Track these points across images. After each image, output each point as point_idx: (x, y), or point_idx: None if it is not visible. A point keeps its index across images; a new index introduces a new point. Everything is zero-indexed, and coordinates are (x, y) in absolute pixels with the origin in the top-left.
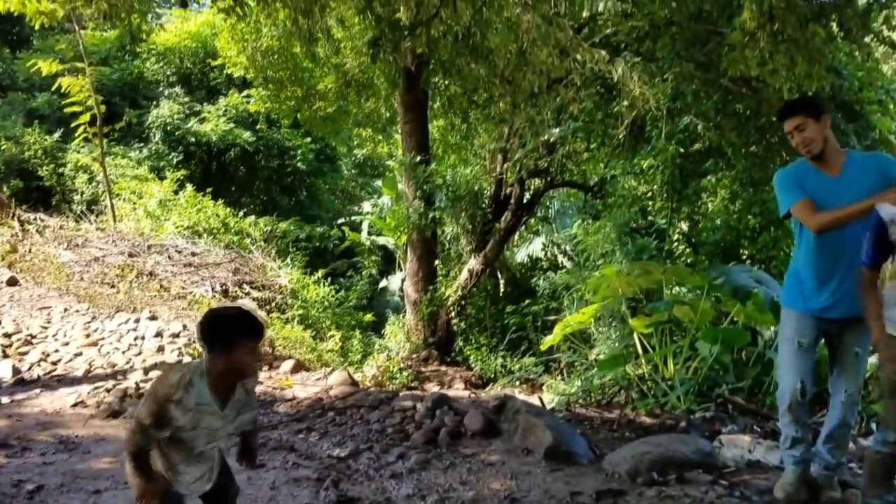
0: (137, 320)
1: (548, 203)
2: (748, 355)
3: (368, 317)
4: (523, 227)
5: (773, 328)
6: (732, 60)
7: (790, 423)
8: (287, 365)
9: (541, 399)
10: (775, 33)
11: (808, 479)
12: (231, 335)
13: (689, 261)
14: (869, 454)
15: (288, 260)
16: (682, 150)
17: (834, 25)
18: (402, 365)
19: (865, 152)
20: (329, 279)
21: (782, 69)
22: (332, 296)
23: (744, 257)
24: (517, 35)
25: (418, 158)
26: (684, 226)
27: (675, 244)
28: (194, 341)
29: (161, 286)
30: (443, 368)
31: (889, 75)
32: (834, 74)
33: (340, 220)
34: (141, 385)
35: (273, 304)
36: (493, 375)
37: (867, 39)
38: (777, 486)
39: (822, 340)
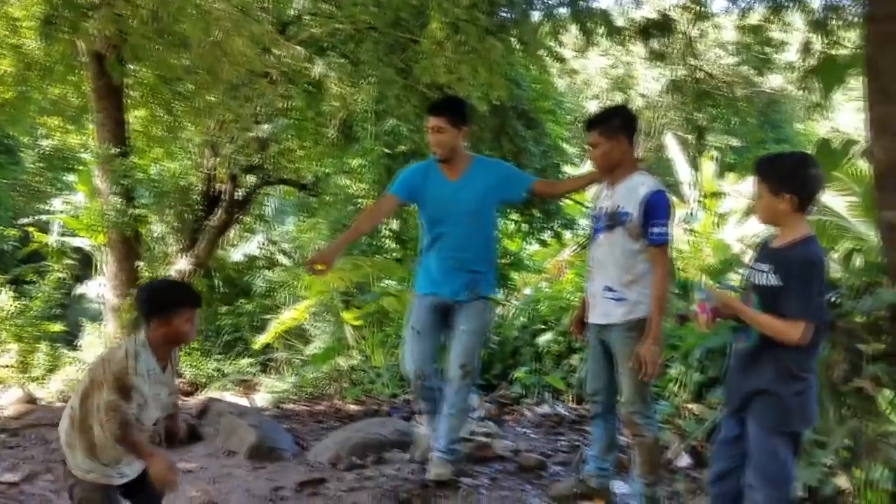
0: None
1: (264, 200)
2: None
3: (58, 327)
4: (239, 225)
5: None
6: (424, 68)
7: (419, 400)
8: None
9: (250, 399)
10: (460, 44)
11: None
12: (169, 305)
13: (397, 255)
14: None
15: None
16: (388, 151)
17: (513, 40)
18: None
19: (491, 159)
20: (14, 287)
21: (467, 77)
22: (12, 305)
23: None
24: (209, 23)
25: (115, 151)
26: (393, 223)
27: (385, 239)
28: None
29: None
30: None
31: (561, 89)
32: (514, 85)
33: (24, 220)
34: None
35: None
36: (205, 380)
37: (541, 53)
38: (431, 468)
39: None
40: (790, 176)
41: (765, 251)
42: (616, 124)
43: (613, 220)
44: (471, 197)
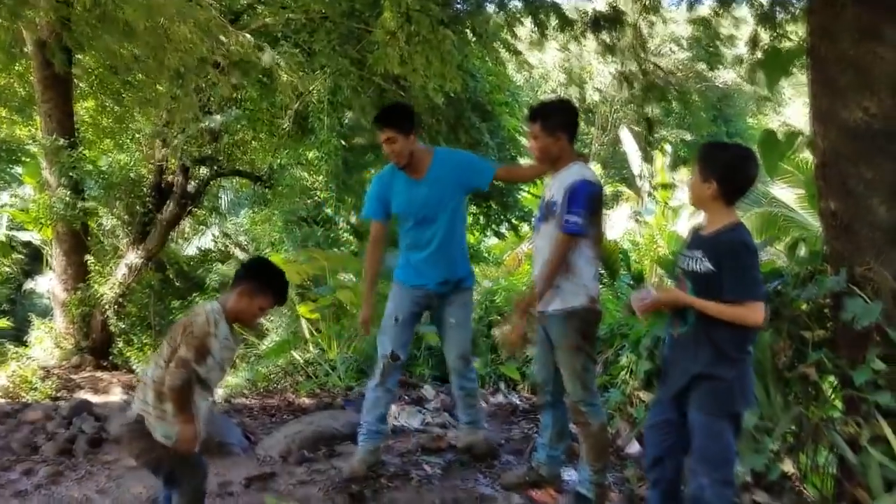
0: None
1: (218, 192)
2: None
3: (5, 322)
4: (192, 218)
5: None
6: (378, 58)
7: (378, 384)
8: None
9: None
10: (412, 34)
11: (375, 459)
12: (266, 283)
13: (354, 249)
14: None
15: None
16: (344, 143)
17: (468, 32)
18: (42, 373)
19: (451, 149)
20: None
21: (420, 68)
22: None
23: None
24: (152, 9)
25: (63, 142)
26: (351, 216)
27: (342, 232)
28: None
29: None
30: (98, 374)
31: (519, 83)
32: (469, 76)
33: None
34: None
35: None
36: None
37: (496, 45)
38: (346, 465)
39: (426, 313)
40: (720, 166)
41: (696, 238)
42: (557, 121)
43: (549, 210)
44: (442, 190)
